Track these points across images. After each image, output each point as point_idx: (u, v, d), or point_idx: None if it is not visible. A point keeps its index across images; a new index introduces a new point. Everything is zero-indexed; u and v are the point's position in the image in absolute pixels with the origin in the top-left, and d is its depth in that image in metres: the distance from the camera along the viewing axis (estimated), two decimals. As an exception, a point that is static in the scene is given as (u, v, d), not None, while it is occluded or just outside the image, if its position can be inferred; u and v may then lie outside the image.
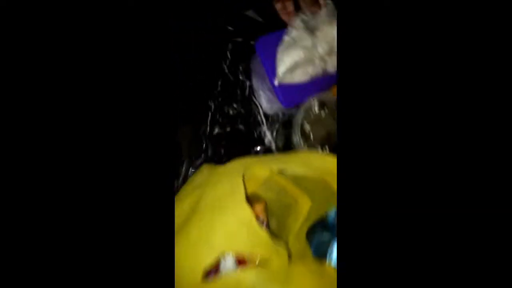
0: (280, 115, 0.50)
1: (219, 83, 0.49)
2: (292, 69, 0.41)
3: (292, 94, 0.44)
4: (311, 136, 0.40)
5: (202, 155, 0.46)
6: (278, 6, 0.44)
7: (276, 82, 0.42)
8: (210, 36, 0.51)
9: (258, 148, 0.48)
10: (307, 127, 0.40)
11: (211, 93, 0.49)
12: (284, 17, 0.44)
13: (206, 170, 0.37)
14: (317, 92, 0.46)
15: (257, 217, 0.35)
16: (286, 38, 0.43)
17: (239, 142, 0.48)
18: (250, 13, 0.66)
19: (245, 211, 0.28)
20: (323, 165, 0.31)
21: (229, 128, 0.48)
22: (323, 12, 0.43)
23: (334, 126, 0.41)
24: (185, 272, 0.26)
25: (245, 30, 0.52)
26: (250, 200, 0.39)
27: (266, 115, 0.51)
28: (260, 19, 0.54)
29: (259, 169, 0.34)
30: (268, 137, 0.50)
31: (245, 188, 0.30)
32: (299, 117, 0.40)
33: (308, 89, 0.45)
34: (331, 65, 0.44)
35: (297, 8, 0.44)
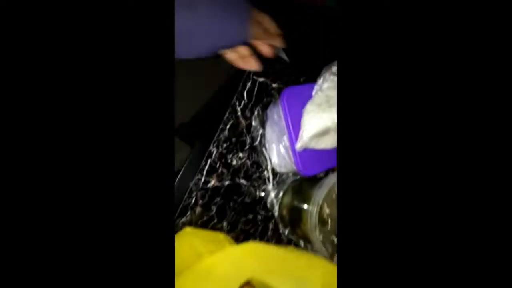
0: (291, 176, 0.43)
1: (228, 126, 0.41)
2: (321, 134, 0.34)
3: (312, 162, 0.37)
4: (329, 222, 0.33)
5: (188, 212, 0.37)
6: (231, 55, 0.32)
7: (297, 146, 0.34)
8: (228, 68, 0.44)
9: (260, 214, 0.40)
10: (327, 210, 0.32)
11: (216, 136, 0.41)
12: (240, 65, 0.33)
13: (187, 245, 0.28)
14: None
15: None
16: (318, 95, 0.36)
17: (236, 200, 0.40)
18: (278, 50, 0.60)
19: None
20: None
21: (228, 181, 0.40)
22: None
23: None
24: None
25: (269, 69, 0.45)
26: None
27: (274, 172, 0.43)
28: (287, 59, 0.48)
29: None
30: (272, 198, 0.42)
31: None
32: (319, 196, 0.32)
33: (332, 158, 0.38)
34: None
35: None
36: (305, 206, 0.34)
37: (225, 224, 0.38)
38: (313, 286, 0.24)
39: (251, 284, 0.31)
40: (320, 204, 0.32)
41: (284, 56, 0.47)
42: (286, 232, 0.41)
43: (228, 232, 0.38)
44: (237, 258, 0.26)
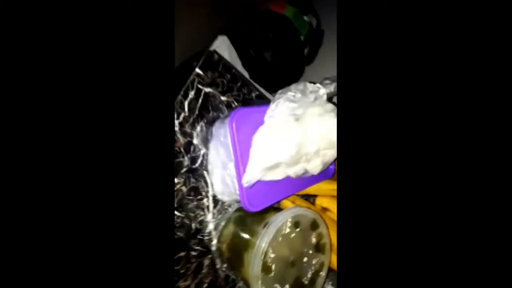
0: (235, 204, 0.38)
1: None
2: (271, 167, 0.30)
3: (260, 196, 0.32)
4: (273, 268, 0.29)
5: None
6: None
7: (244, 182, 0.30)
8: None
9: (194, 250, 0.35)
10: (271, 255, 0.29)
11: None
12: None
13: None
14: (289, 193, 0.36)
15: None
16: (269, 122, 0.31)
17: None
18: (221, 42, 0.53)
19: None
20: None
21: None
22: (311, 95, 0.33)
23: (302, 250, 0.31)
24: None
25: (218, 78, 0.38)
26: None
27: (215, 200, 0.38)
28: (228, 57, 0.42)
29: None
30: (210, 230, 0.37)
31: None
32: (265, 239, 0.28)
33: (280, 190, 0.35)
34: (313, 165, 0.35)
35: None
36: (248, 250, 0.30)
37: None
38: None
39: None
40: (265, 250, 0.28)
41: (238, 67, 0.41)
42: (224, 267, 0.37)
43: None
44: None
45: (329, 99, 0.36)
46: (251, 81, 0.44)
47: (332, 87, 0.36)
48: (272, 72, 0.71)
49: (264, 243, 0.28)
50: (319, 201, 0.44)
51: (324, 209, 0.44)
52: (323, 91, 0.34)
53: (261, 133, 0.31)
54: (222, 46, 0.58)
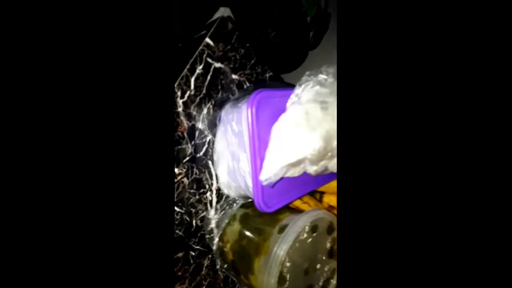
0: (239, 201, 0.34)
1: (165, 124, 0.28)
2: (291, 165, 0.26)
3: (276, 195, 0.28)
4: (287, 279, 0.25)
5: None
6: None
7: (262, 179, 0.25)
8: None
9: (193, 250, 0.30)
10: (287, 264, 0.25)
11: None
12: None
13: None
14: (304, 192, 0.32)
15: None
16: (294, 109, 0.27)
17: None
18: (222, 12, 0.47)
19: None
20: None
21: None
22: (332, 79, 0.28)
23: (316, 256, 0.28)
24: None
25: (230, 52, 0.32)
26: None
27: (219, 194, 0.33)
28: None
29: None
30: (212, 228, 0.32)
31: None
32: (282, 247, 0.24)
33: (295, 188, 0.31)
34: (335, 162, 0.31)
35: None
36: (259, 255, 0.26)
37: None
38: None
39: None
40: (282, 260, 0.24)
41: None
42: (225, 268, 0.33)
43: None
44: None
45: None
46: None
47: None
48: (274, 52, 0.65)
49: (283, 251, 0.24)
50: (327, 199, 0.40)
51: (331, 207, 0.41)
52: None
53: (284, 122, 0.26)
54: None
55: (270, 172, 0.25)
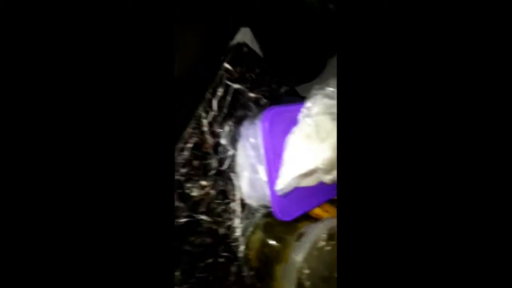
0: (262, 210, 0.36)
1: (190, 144, 0.32)
2: (305, 175, 0.27)
3: (293, 204, 0.30)
4: (307, 286, 0.26)
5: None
6: None
7: (278, 189, 0.27)
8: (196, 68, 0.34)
9: (221, 257, 0.33)
10: (306, 271, 0.26)
11: (173, 156, 0.31)
12: None
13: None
14: (322, 200, 0.33)
15: None
16: (305, 122, 0.28)
17: (192, 242, 0.32)
18: (243, 33, 0.50)
19: None
20: None
21: (184, 218, 0.31)
22: None
23: (335, 263, 0.28)
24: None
25: (246, 72, 0.36)
26: None
27: (243, 204, 0.35)
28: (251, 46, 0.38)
29: None
30: (238, 236, 0.35)
31: None
32: (299, 253, 0.26)
33: (312, 197, 0.32)
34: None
35: None
36: (279, 262, 0.28)
37: (177, 273, 0.30)
38: None
39: None
40: (299, 266, 0.25)
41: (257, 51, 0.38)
42: (251, 275, 0.35)
43: (181, 284, 0.30)
44: None
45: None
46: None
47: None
48: (292, 62, 0.66)
49: (300, 258, 0.25)
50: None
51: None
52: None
53: (296, 134, 0.28)
54: (246, 38, 0.55)
55: (284, 182, 0.27)
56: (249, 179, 0.33)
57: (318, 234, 0.27)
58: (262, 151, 0.30)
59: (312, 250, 0.26)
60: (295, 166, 0.27)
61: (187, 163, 0.32)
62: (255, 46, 0.55)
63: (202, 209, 0.32)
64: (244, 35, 0.55)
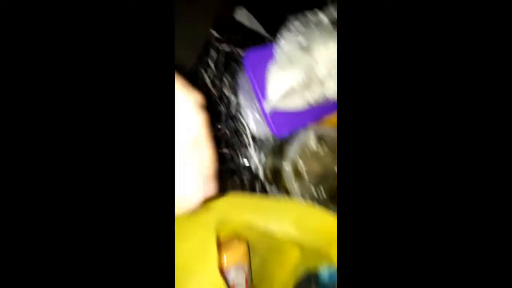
0: (271, 140, 0.45)
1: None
2: (287, 94, 0.35)
3: (285, 123, 0.38)
4: (305, 176, 0.35)
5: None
6: None
7: (267, 109, 0.36)
8: (190, 41, 0.43)
9: (246, 178, 0.43)
10: (301, 163, 0.35)
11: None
12: None
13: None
14: (314, 120, 0.41)
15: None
16: (279, 55, 0.36)
17: (220, 169, 0.42)
18: (240, 15, 0.57)
19: (216, 282, 0.24)
20: (320, 229, 0.26)
21: (211, 152, 0.42)
22: (316, 29, 0.36)
23: (333, 164, 0.36)
24: None
25: (232, 36, 0.44)
26: (228, 243, 0.35)
27: (254, 138, 0.45)
28: (249, 26, 0.47)
29: (237, 224, 0.29)
30: (255, 161, 0.45)
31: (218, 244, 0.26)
32: (291, 152, 0.35)
33: (304, 117, 0.40)
34: (330, 90, 0.39)
35: None
36: (282, 163, 0.36)
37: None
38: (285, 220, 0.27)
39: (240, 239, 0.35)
40: (293, 158, 0.34)
41: (246, 19, 0.46)
42: (273, 189, 0.45)
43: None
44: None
45: (332, 23, 0.38)
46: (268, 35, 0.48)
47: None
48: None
49: (292, 153, 0.34)
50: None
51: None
52: (326, 21, 0.37)
53: (273, 65, 0.36)
54: (242, 17, 0.62)
55: (270, 102, 0.35)
56: (253, 117, 0.43)
57: (306, 135, 0.35)
58: (252, 90, 0.38)
59: (303, 149, 0.35)
60: (275, 88, 0.35)
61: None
62: (253, 21, 0.62)
63: (223, 145, 0.43)
64: (240, 15, 0.62)
